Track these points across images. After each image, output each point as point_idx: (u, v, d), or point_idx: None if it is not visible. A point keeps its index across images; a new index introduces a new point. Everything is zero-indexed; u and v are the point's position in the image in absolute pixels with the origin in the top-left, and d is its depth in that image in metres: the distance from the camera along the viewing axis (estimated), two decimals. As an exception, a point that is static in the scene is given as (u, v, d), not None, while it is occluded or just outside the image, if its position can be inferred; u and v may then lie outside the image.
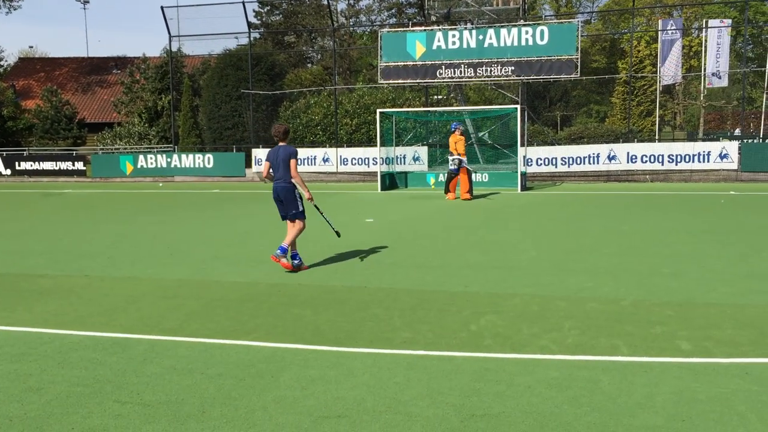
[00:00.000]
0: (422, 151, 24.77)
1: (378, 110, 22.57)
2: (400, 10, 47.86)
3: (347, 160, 25.32)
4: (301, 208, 8.47)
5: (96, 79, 48.11)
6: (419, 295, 7.11)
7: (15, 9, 52.52)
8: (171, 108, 30.91)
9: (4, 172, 29.68)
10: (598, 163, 22.76)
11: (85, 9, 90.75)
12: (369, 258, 9.37)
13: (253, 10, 44.73)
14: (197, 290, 7.53)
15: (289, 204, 8.36)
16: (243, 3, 26.36)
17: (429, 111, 25.29)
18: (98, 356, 5.24)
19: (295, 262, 8.45)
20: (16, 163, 29.74)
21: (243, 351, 5.34)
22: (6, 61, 55.40)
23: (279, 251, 8.43)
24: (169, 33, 27.65)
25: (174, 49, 30.38)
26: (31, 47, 76.34)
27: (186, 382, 4.64)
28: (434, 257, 9.35)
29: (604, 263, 8.66)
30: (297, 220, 8.47)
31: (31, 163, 29.65)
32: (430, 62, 23.94)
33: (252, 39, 29.70)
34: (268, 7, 47.46)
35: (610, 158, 22.64)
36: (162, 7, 27.30)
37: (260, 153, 26.23)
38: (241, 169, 26.53)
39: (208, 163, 26.87)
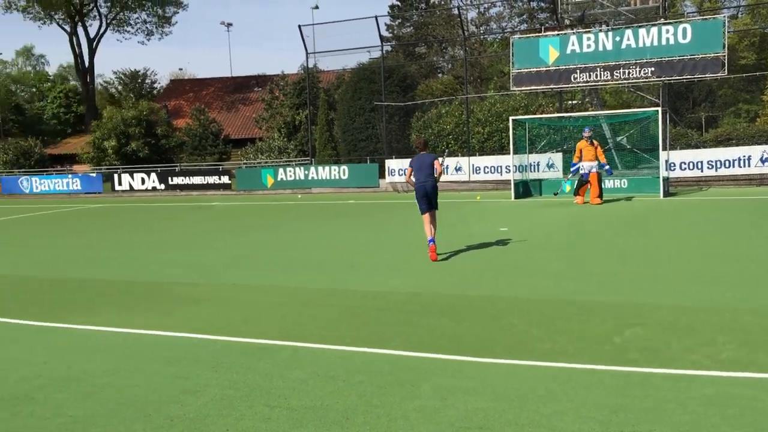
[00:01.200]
0: (556, 158, 24.18)
1: (510, 118, 22.29)
2: (532, 16, 47.05)
3: (479, 169, 25.17)
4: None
5: (239, 97, 50.75)
6: (557, 304, 6.94)
7: (167, 35, 56.50)
8: (308, 122, 32.04)
9: (158, 187, 31.91)
10: (749, 165, 21.28)
11: (228, 31, 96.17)
12: (504, 266, 9.27)
13: (385, 24, 45.55)
14: (336, 299, 7.74)
15: (435, 197, 10.21)
16: (375, 18, 26.93)
17: (563, 117, 24.68)
18: (247, 361, 5.51)
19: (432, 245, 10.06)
20: (169, 178, 31.91)
21: (383, 359, 5.43)
22: (159, 83, 59.73)
23: (433, 241, 10.02)
24: (306, 50, 28.77)
25: (311, 65, 31.52)
26: (181, 69, 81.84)
27: (329, 389, 4.78)
28: (572, 266, 9.09)
29: (760, 272, 8.07)
30: (436, 210, 10.29)
31: (182, 177, 31.70)
32: (563, 67, 23.35)
33: (384, 52, 30.24)
34: (399, 20, 48.18)
35: (764, 161, 21.10)
36: (299, 26, 28.44)
37: (393, 163, 26.62)
38: (375, 180, 27.03)
39: (343, 174, 27.59)
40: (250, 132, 44.65)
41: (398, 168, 26.39)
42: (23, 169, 38.36)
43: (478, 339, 5.88)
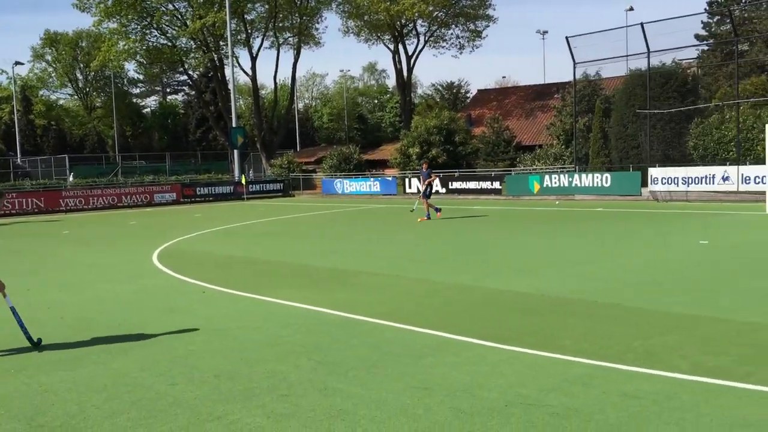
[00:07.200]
0: None
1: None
2: None
3: (749, 179, 23.42)
4: None
5: (538, 104, 52.00)
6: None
7: (477, 47, 59.70)
8: (574, 129, 32.53)
9: (440, 191, 34.90)
10: None
11: (543, 39, 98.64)
12: (648, 280, 9.75)
13: (702, 22, 43.21)
14: (464, 294, 9.17)
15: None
16: (642, 25, 26.65)
17: None
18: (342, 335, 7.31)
19: None
20: (449, 183, 34.85)
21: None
22: (470, 93, 63.64)
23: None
24: (573, 60, 29.55)
25: (580, 74, 31.92)
26: (504, 77, 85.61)
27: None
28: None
29: None
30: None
31: (460, 182, 34.40)
32: None
33: (650, 59, 28.89)
34: (718, 17, 45.12)
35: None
36: (567, 38, 29.30)
37: (656, 172, 25.98)
38: (637, 188, 26.57)
39: (606, 182, 27.56)
40: (543, 139, 45.69)
41: (661, 177, 25.72)
42: (343, 173, 44.49)
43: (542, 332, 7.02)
